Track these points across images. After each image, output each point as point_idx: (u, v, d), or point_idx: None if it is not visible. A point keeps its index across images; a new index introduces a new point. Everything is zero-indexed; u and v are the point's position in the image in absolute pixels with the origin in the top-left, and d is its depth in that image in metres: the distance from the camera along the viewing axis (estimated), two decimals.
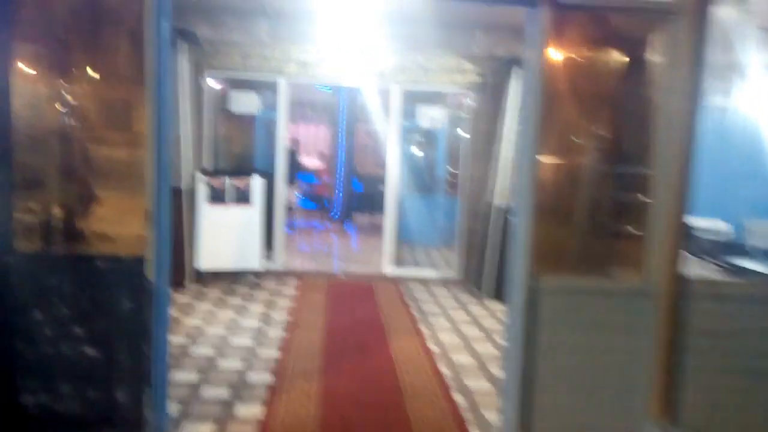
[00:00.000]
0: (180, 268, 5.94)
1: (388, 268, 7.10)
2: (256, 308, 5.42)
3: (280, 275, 6.78)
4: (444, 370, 4.10)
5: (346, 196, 11.76)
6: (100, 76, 3.12)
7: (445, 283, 6.91)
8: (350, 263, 7.79)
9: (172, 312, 5.07)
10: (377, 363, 4.16)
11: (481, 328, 5.19)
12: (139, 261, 2.74)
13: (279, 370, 3.92)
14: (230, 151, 11.26)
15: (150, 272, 2.74)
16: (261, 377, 3.79)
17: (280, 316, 5.22)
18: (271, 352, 4.25)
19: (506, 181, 6.24)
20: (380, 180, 11.16)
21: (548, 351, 2.96)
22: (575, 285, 3.00)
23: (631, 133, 3.14)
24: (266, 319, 5.10)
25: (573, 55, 2.99)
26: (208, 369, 3.89)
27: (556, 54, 2.94)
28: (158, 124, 2.76)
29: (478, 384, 3.91)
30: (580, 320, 2.98)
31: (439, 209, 9.86)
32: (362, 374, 3.94)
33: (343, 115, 11.84)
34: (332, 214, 11.85)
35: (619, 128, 3.16)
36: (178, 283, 5.93)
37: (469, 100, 6.96)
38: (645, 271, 3.01)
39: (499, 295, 6.20)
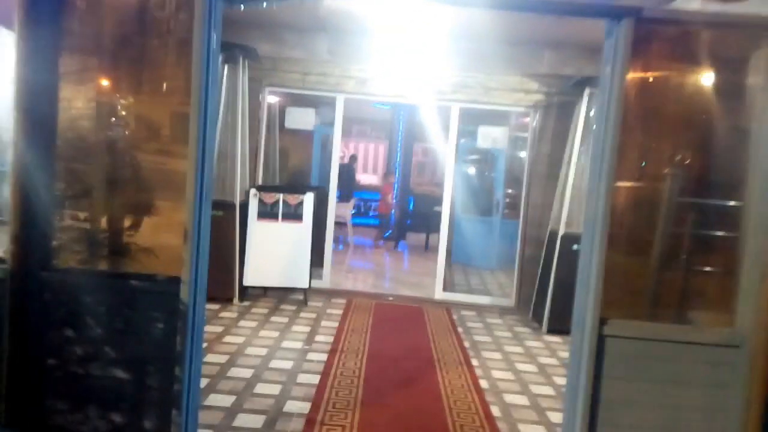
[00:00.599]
0: (229, 284, 5.89)
1: (440, 293, 6.81)
2: (301, 328, 5.26)
3: (328, 294, 6.62)
4: (495, 411, 3.77)
5: (400, 215, 11.56)
6: (149, 87, 3.06)
7: (499, 311, 6.54)
8: (400, 285, 7.55)
9: (216, 329, 4.99)
10: (423, 399, 3.88)
11: (538, 365, 4.81)
12: (174, 282, 2.61)
13: (317, 399, 3.71)
14: (288, 167, 11.36)
15: (185, 294, 2.61)
16: (298, 406, 3.59)
17: (324, 337, 5.04)
18: (311, 379, 4.05)
19: (572, 207, 5.84)
20: (436, 200, 10.95)
21: (616, 406, 2.61)
22: (650, 332, 2.64)
23: (720, 161, 2.76)
24: (309, 340, 4.93)
25: (657, 74, 2.67)
26: (244, 393, 3.74)
27: (638, 72, 2.62)
28: (202, 138, 2.64)
29: (532, 430, 3.55)
30: (654, 373, 2.62)
31: (495, 233, 9.48)
32: (406, 410, 3.67)
33: (400, 133, 11.69)
34: (386, 233, 11.66)
35: (706, 156, 2.79)
36: (226, 299, 5.87)
37: (533, 121, 6.62)
38: (734, 318, 2.61)
39: (558, 329, 5.78)
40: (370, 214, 13.41)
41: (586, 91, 5.85)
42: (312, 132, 10.83)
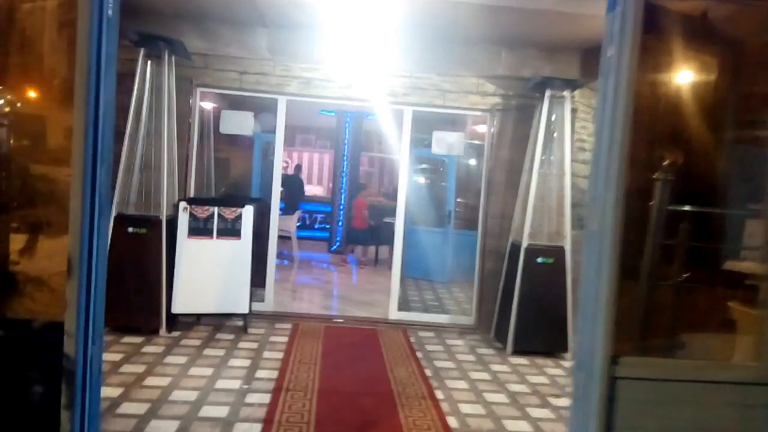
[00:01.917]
0: (154, 313, 5.10)
1: (395, 312, 6.24)
2: (239, 362, 4.56)
3: (271, 318, 5.92)
4: None
5: (347, 228, 10.96)
6: (25, 78, 2.37)
7: (459, 331, 6.04)
8: (352, 304, 6.93)
9: (136, 369, 4.21)
10: None
11: (508, 394, 4.32)
12: (54, 329, 1.92)
13: None
14: (226, 177, 10.55)
15: (70, 346, 1.92)
16: None
17: (267, 372, 4.36)
18: (250, 428, 3.38)
19: (535, 217, 5.44)
20: (385, 211, 10.42)
21: None
22: (668, 371, 2.17)
23: (739, 163, 2.35)
24: (249, 377, 4.24)
25: (667, 61, 2.23)
26: None
27: (644, 58, 2.17)
28: (91, 140, 1.98)
29: None
30: (675, 420, 2.14)
31: (448, 245, 9.04)
32: None
33: (346, 142, 11.12)
34: (332, 246, 11.03)
35: (722, 157, 2.38)
36: (150, 330, 5.08)
37: (491, 126, 6.21)
38: (765, 351, 2.19)
39: (524, 350, 5.34)
40: (316, 227, 12.74)
41: (547, 93, 5.49)
42: (252, 139, 10.13)
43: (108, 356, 4.45)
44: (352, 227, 10.16)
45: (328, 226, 11.78)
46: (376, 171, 15.82)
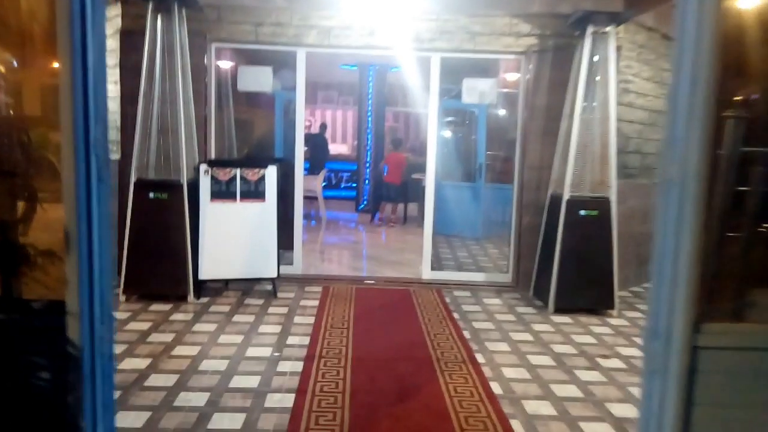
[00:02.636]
0: (181, 280, 4.96)
1: (428, 272, 6.01)
2: (270, 328, 4.40)
3: (301, 282, 5.76)
4: (518, 429, 3.00)
5: (374, 186, 10.67)
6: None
7: (496, 289, 5.78)
8: (383, 265, 6.72)
9: (164, 338, 4.09)
10: (425, 419, 3.09)
11: (554, 356, 4.07)
12: (55, 310, 1.71)
13: (292, 431, 2.88)
14: (249, 139, 10.30)
15: (74, 330, 1.71)
16: None
17: (298, 339, 4.19)
18: (283, 400, 3.22)
19: (577, 167, 5.06)
20: (411, 167, 10.08)
21: None
22: (760, 337, 1.86)
23: None
24: (280, 344, 4.08)
25: None
26: (195, 428, 2.88)
27: None
28: (80, 95, 1.71)
29: None
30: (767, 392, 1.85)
31: (478, 200, 8.71)
32: None
33: (370, 96, 10.70)
34: (360, 205, 10.79)
35: None
36: (178, 297, 4.96)
37: (526, 71, 5.76)
38: None
39: (566, 308, 5.06)
40: (342, 186, 12.50)
41: (588, 30, 5.00)
42: (273, 98, 9.82)
43: (136, 325, 4.34)
44: (384, 183, 9.84)
45: (354, 185, 11.52)
46: (401, 126, 15.38)
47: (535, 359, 3.99)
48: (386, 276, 6.14)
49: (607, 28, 4.99)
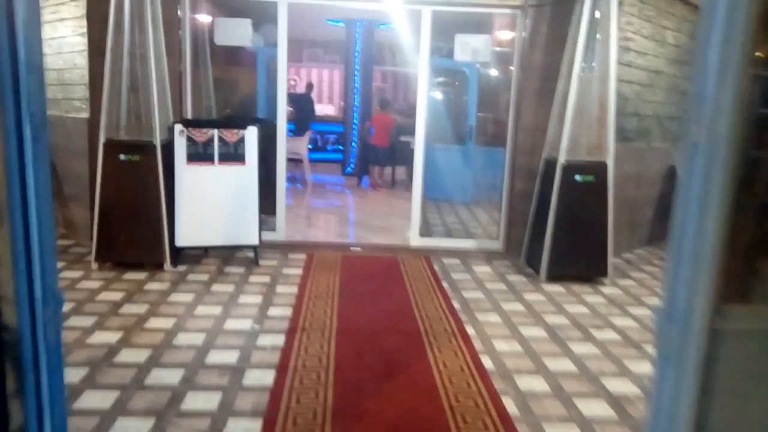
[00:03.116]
0: (156, 247, 4.71)
1: (416, 238, 5.81)
2: (250, 299, 4.20)
3: (284, 248, 5.53)
4: (510, 406, 2.85)
5: (361, 148, 10.37)
6: None
7: (486, 256, 5.61)
8: (369, 231, 6.51)
9: (138, 309, 3.86)
10: (413, 397, 2.93)
11: (546, 327, 3.92)
12: None
13: (271, 412, 2.70)
14: (230, 99, 9.87)
15: (9, 313, 1.47)
16: (244, 426, 2.58)
17: (280, 310, 4.00)
18: (263, 377, 3.03)
19: (575, 130, 4.82)
20: (399, 129, 9.77)
21: None
22: None
23: None
24: (261, 316, 3.88)
25: None
26: (168, 410, 2.69)
27: None
28: (4, 37, 1.42)
29: (561, 430, 2.67)
30: None
31: (467, 163, 8.47)
32: (394, 418, 2.71)
33: (357, 54, 10.27)
34: (347, 168, 10.50)
35: None
36: (155, 264, 4.72)
37: (522, 27, 5.44)
38: None
39: (558, 275, 4.91)
40: (328, 148, 12.16)
41: None
42: (254, 55, 9.38)
43: (108, 295, 4.11)
44: (371, 146, 9.55)
45: (341, 148, 11.20)
46: (389, 86, 14.94)
47: (527, 331, 3.84)
48: (373, 243, 5.94)
49: None
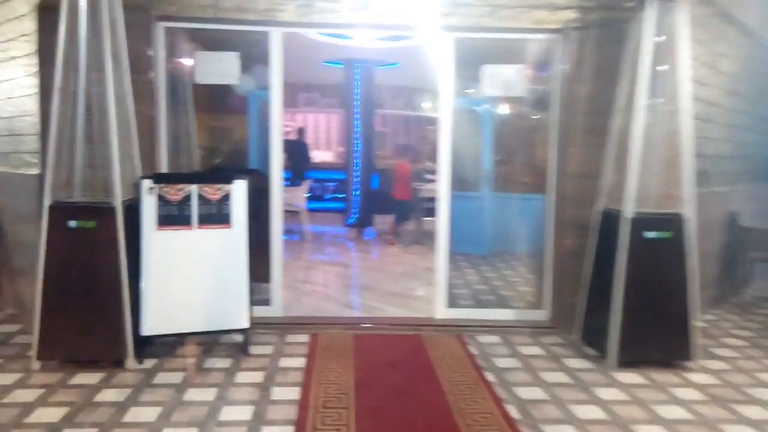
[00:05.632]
0: (116, 338, 3.65)
1: (443, 309, 4.76)
2: (236, 413, 3.11)
3: (281, 328, 4.47)
4: None
5: (364, 197, 9.43)
6: None
7: (530, 332, 4.56)
8: (382, 298, 5.46)
9: (82, 430, 2.77)
10: None
11: None
12: None
13: None
14: (218, 149, 8.93)
15: None
16: None
17: (277, 429, 2.91)
18: None
19: (643, 175, 3.87)
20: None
21: None
22: None
23: None
24: None
25: None
26: None
27: None
28: None
29: None
30: None
31: (485, 212, 7.52)
32: None
33: (357, 97, 9.46)
34: (349, 218, 9.53)
35: None
36: (112, 361, 3.65)
37: (564, 53, 4.57)
38: None
39: (631, 359, 3.85)
40: (327, 197, 11.22)
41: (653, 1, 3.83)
42: (245, 99, 8.51)
43: (44, 413, 3.02)
44: (391, 199, 8.59)
45: (341, 196, 10.25)
46: (390, 132, 14.15)
47: None
48: (390, 316, 4.88)
49: None
